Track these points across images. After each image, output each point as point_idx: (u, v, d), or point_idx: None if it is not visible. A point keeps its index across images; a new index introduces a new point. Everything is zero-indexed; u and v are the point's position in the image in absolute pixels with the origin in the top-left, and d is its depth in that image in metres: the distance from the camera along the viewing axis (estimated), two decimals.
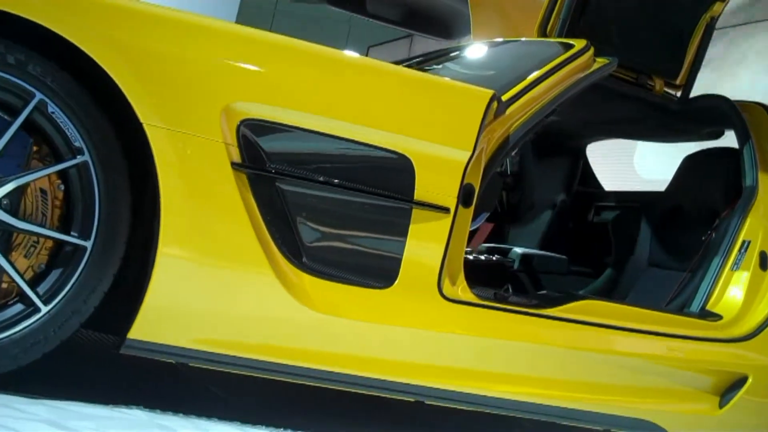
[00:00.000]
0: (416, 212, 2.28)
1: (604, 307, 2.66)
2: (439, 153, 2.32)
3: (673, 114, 3.60)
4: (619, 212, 3.78)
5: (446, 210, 2.31)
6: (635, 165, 5.56)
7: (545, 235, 4.05)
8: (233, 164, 2.05)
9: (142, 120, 1.95)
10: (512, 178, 2.95)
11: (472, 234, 4.33)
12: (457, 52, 3.47)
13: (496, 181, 2.70)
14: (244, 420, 2.17)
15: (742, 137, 3.22)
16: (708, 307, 2.95)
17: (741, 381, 2.82)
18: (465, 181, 2.35)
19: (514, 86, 2.67)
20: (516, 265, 3.60)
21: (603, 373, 2.61)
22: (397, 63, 3.40)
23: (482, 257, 3.56)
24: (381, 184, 2.24)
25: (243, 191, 2.07)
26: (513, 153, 2.77)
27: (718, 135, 3.75)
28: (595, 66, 2.94)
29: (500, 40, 3.47)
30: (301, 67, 2.19)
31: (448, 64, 3.36)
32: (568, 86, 2.81)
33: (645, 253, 3.58)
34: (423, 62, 3.42)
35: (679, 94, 3.63)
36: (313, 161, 2.18)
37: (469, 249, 3.74)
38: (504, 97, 2.60)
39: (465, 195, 2.37)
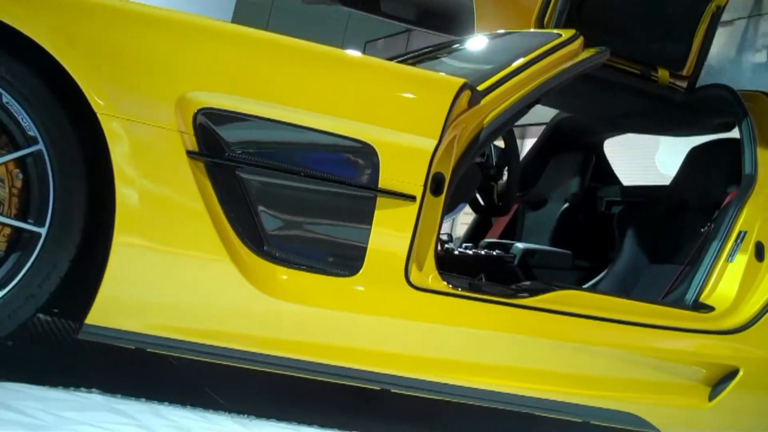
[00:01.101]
0: (381, 200, 2.28)
1: (584, 298, 2.62)
2: (404, 141, 2.31)
3: (679, 106, 3.54)
4: (623, 207, 3.72)
5: (412, 198, 2.30)
6: (656, 161, 5.46)
7: (555, 231, 4.01)
8: (189, 153, 2.08)
9: (96, 110, 1.99)
10: (497, 169, 2.92)
11: (487, 228, 4.33)
12: (451, 46, 3.46)
13: (475, 171, 2.69)
14: (207, 407, 2.19)
15: (743, 126, 3.15)
16: (702, 298, 2.88)
17: (732, 374, 2.75)
18: (434, 170, 2.35)
19: (493, 76, 2.65)
20: (517, 261, 3.57)
21: (582, 364, 2.57)
22: (392, 58, 3.41)
23: (482, 252, 3.54)
24: (345, 172, 2.25)
25: (200, 179, 2.10)
26: (493, 142, 2.76)
27: (728, 127, 3.66)
28: (583, 56, 2.90)
29: (501, 32, 3.44)
30: (261, 57, 2.21)
31: (443, 59, 3.35)
32: (553, 76, 2.78)
33: (650, 248, 3.51)
34: (418, 57, 3.42)
35: (686, 85, 3.58)
36: (274, 150, 2.20)
37: (469, 244, 3.73)
38: (481, 87, 2.59)
39: (434, 184, 2.36)
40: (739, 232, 2.92)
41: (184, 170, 2.07)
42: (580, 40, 2.93)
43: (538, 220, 4.26)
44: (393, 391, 2.36)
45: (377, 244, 2.29)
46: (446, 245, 3.49)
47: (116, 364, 2.49)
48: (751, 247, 2.89)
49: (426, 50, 3.49)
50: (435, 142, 2.32)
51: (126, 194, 2.02)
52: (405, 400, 2.48)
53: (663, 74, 3.50)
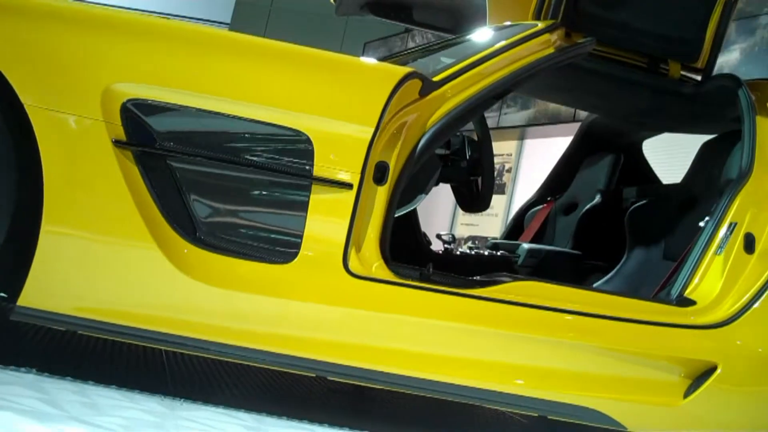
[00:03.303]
0: (316, 188, 2.30)
1: (544, 290, 2.54)
2: (340, 130, 2.33)
3: (690, 99, 3.40)
4: (634, 206, 3.59)
5: (349, 186, 2.31)
6: None
7: (577, 231, 3.91)
8: (115, 142, 2.16)
9: (23, 101, 2.10)
10: (469, 162, 2.86)
11: (520, 228, 4.24)
12: (446, 42, 3.45)
13: (434, 162, 2.66)
14: (143, 389, 2.25)
15: (744, 114, 3.01)
16: (688, 292, 2.75)
17: (710, 370, 2.61)
18: (377, 159, 2.36)
19: (453, 66, 2.64)
20: (522, 261, 3.50)
21: (539, 357, 2.49)
22: (386, 57, 3.43)
23: (485, 253, 3.49)
24: (278, 160, 2.29)
25: (127, 168, 2.17)
26: (454, 132, 2.73)
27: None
28: (559, 46, 2.85)
29: (499, 26, 3.40)
30: (190, 49, 2.28)
31: (434, 54, 3.34)
32: (523, 66, 2.74)
33: (659, 245, 3.38)
34: (411, 53, 3.42)
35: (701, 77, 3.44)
36: (206, 139, 2.26)
37: (472, 245, 3.68)
38: (438, 77, 2.58)
39: (378, 173, 2.36)
40: (730, 224, 2.78)
41: (109, 160, 2.16)
42: (558, 31, 2.88)
43: (568, 224, 4.16)
44: (330, 378, 2.36)
45: (313, 232, 2.30)
46: (447, 245, 3.47)
47: (54, 346, 2.58)
48: (740, 238, 2.75)
49: (421, 47, 3.50)
50: (371, 130, 2.32)
51: (53, 183, 2.11)
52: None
53: (674, 67, 3.38)
